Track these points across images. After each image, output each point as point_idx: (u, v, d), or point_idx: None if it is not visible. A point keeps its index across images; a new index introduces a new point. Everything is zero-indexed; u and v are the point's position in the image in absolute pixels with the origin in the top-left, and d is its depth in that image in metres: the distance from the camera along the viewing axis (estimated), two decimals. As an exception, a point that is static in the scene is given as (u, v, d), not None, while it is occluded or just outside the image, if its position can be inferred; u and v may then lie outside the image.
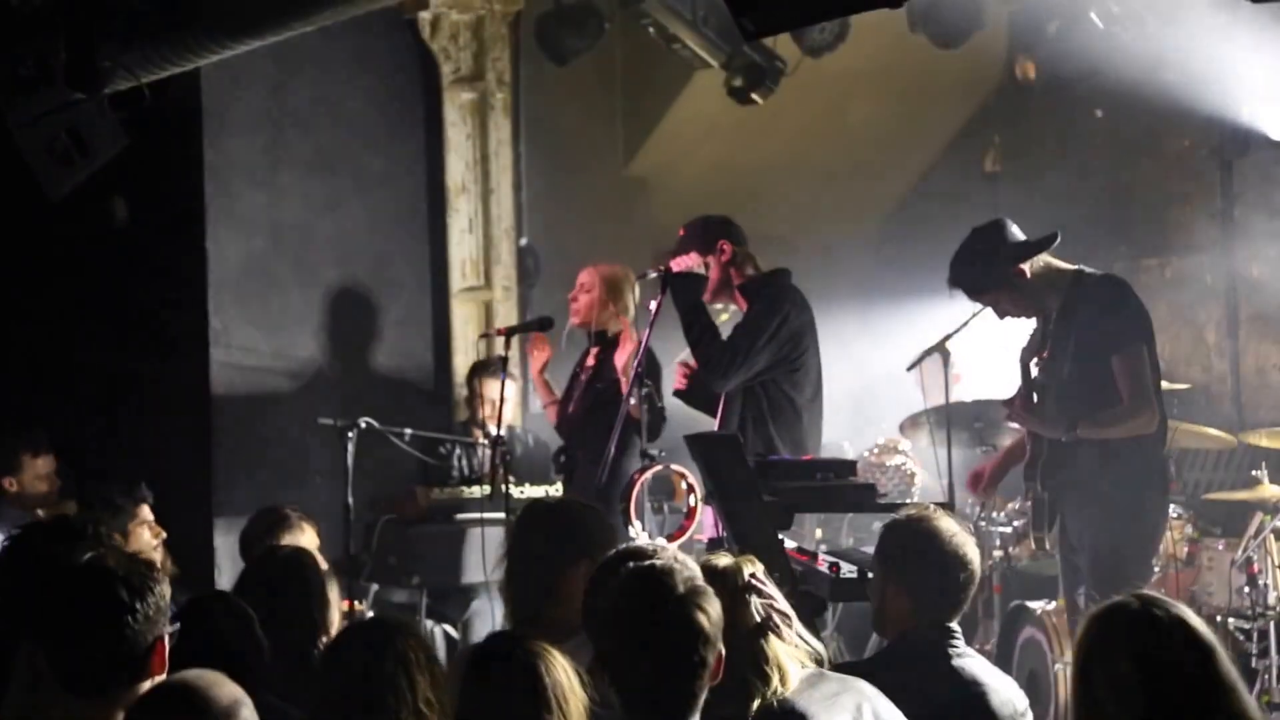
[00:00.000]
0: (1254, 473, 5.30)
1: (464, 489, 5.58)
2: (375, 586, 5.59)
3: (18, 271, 6.69)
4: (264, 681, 3.06)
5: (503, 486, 5.28)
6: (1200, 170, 6.97)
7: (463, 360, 7.06)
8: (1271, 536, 5.14)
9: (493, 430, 5.60)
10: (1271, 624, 5.02)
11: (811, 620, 3.90)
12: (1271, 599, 5.10)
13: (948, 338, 5.33)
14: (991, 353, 5.67)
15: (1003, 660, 5.27)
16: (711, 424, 5.13)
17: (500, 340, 5.68)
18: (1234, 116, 6.45)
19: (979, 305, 4.77)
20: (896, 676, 2.91)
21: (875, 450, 6.51)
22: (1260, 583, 5.11)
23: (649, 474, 4.78)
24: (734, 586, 2.65)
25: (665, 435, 5.30)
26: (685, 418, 5.52)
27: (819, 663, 2.76)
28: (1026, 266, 4.38)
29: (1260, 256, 6.65)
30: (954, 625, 3.15)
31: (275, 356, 6.87)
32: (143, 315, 6.60)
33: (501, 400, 5.47)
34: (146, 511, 4.90)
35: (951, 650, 3.10)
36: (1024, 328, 4.64)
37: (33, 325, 6.75)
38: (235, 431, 6.74)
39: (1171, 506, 4.75)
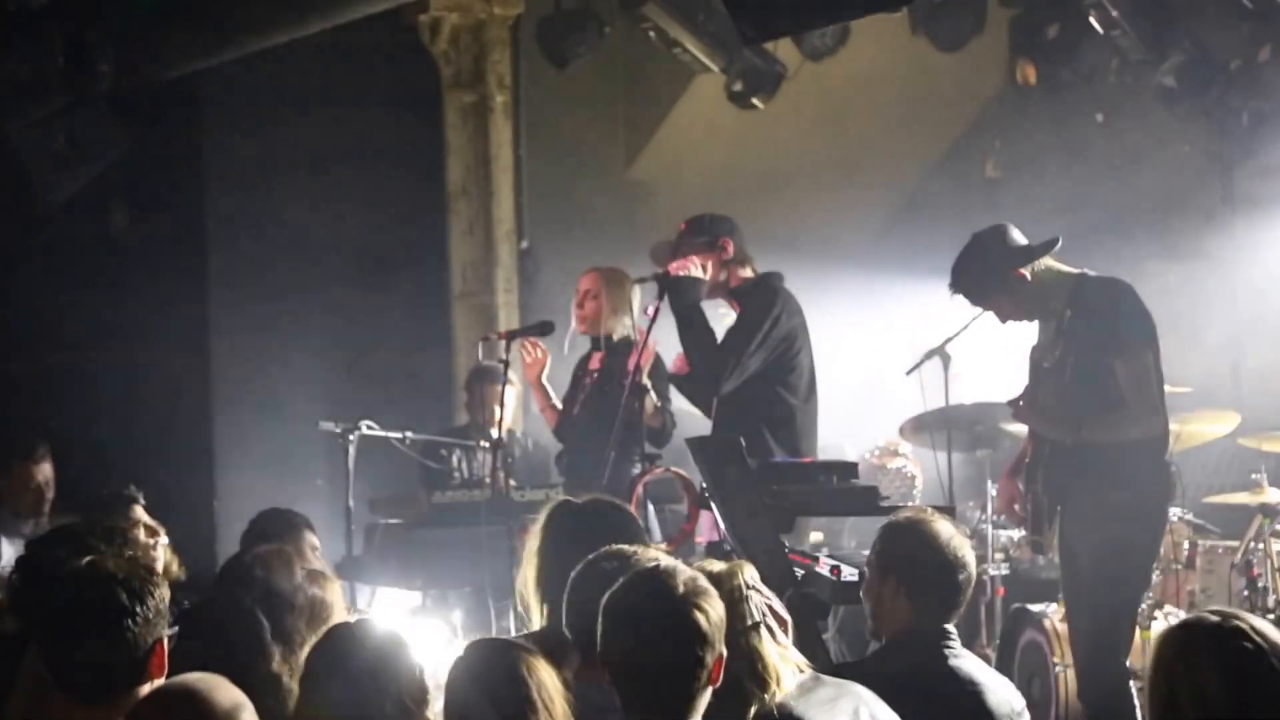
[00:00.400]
0: (1253, 475, 5.30)
1: (464, 492, 5.57)
2: (376, 589, 5.58)
3: (18, 274, 6.69)
4: (266, 685, 3.06)
5: (503, 490, 5.28)
6: (1202, 174, 6.97)
7: (463, 363, 7.06)
8: (1271, 539, 5.14)
9: (493, 433, 5.60)
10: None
11: (813, 623, 3.91)
12: (1271, 602, 5.09)
13: (948, 341, 5.33)
14: (991, 355, 5.67)
15: (1004, 663, 5.27)
16: (709, 424, 5.12)
17: (501, 343, 5.68)
18: (1235, 120, 6.46)
19: (979, 309, 4.76)
20: (894, 677, 2.90)
21: (876, 453, 6.50)
22: (1260, 585, 5.11)
23: (650, 477, 4.78)
24: (728, 590, 2.64)
25: (664, 438, 5.30)
26: (686, 420, 5.52)
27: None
28: (1027, 271, 4.38)
29: (1261, 260, 6.66)
30: (950, 627, 3.15)
31: (276, 360, 6.87)
32: (144, 319, 6.60)
33: (502, 404, 5.47)
34: (139, 511, 4.89)
35: (948, 651, 3.10)
36: (1025, 330, 4.63)
37: (34, 329, 6.75)
38: (236, 435, 6.75)
39: (1171, 509, 4.74)
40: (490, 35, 7.25)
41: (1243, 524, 5.32)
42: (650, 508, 5.05)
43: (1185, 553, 5.33)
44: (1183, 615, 4.39)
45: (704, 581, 2.50)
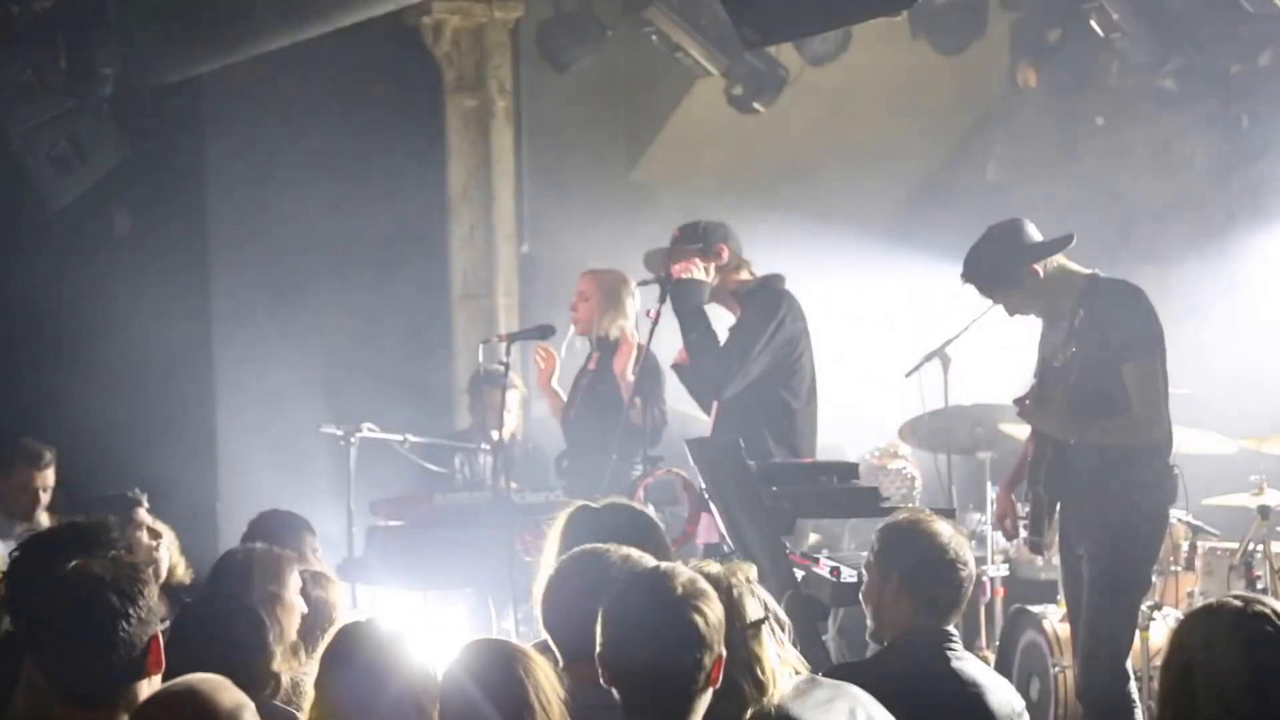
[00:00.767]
0: (1252, 477, 5.30)
1: (465, 495, 5.59)
2: (377, 591, 5.59)
3: (18, 279, 6.70)
4: (266, 685, 3.07)
5: (504, 492, 5.28)
6: (1202, 178, 6.98)
7: (464, 366, 7.07)
8: (1270, 541, 5.14)
9: (495, 436, 5.61)
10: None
11: (813, 624, 3.92)
12: (1272, 604, 5.09)
13: (948, 343, 5.34)
14: (992, 355, 5.68)
15: (1004, 664, 5.28)
16: (709, 424, 5.13)
17: (502, 346, 5.70)
18: (1235, 123, 6.47)
19: (980, 309, 4.77)
20: (895, 679, 2.91)
21: (876, 454, 6.51)
22: (1259, 587, 5.11)
23: (650, 479, 4.79)
24: (726, 589, 2.65)
25: (667, 439, 5.30)
26: (686, 422, 5.53)
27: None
28: (1040, 267, 4.37)
29: (1261, 263, 6.66)
30: (951, 628, 3.16)
31: (278, 363, 6.88)
32: (146, 321, 6.61)
33: (503, 407, 5.48)
34: (142, 514, 4.90)
35: (949, 652, 3.11)
36: (1025, 329, 4.64)
37: (36, 330, 6.76)
38: (239, 437, 6.76)
39: (1170, 510, 4.75)
40: (492, 39, 7.26)
41: (1242, 525, 5.33)
42: (651, 509, 5.05)
43: (1184, 554, 5.33)
44: (1181, 616, 4.41)
45: (703, 583, 2.50)
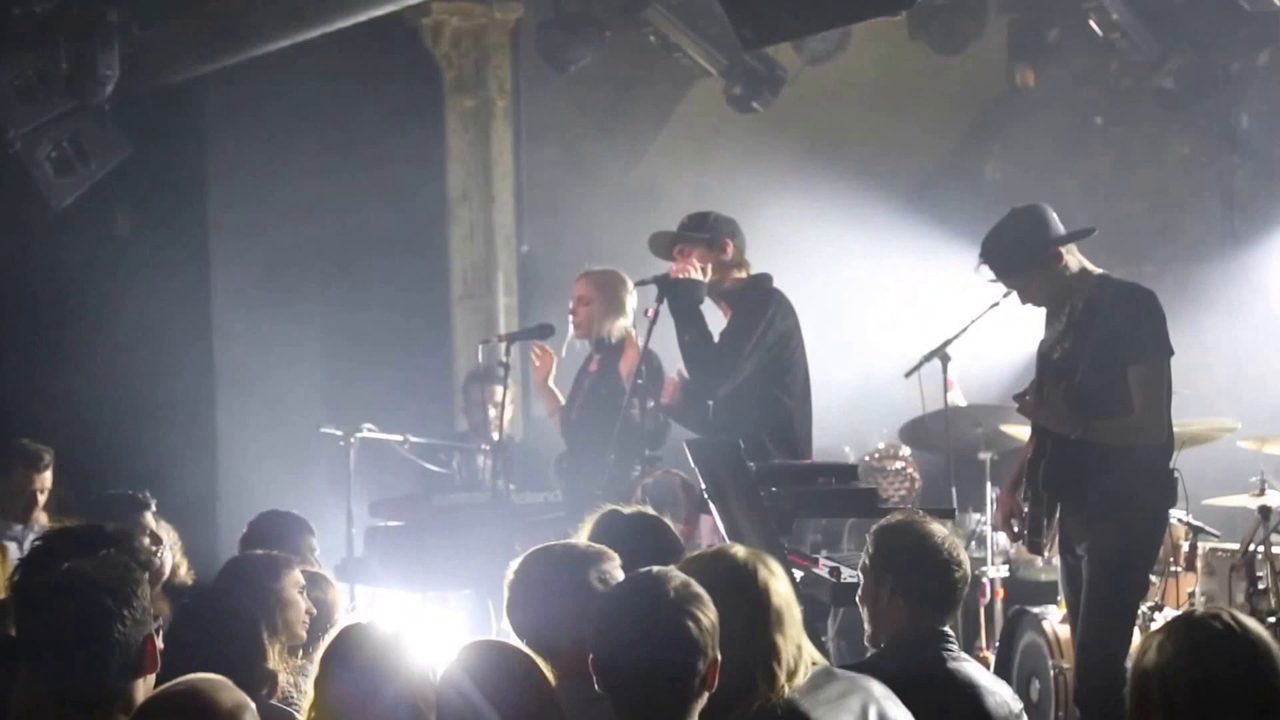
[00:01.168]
0: (1253, 478, 5.30)
1: (464, 495, 5.59)
2: (376, 592, 5.60)
3: (20, 279, 6.71)
4: (264, 684, 3.08)
5: (503, 493, 5.29)
6: (1201, 177, 6.98)
7: (463, 366, 7.08)
8: (1271, 542, 5.14)
9: (494, 436, 5.62)
10: (1271, 630, 5.01)
11: (812, 625, 3.92)
12: (1272, 603, 5.09)
13: (947, 343, 5.34)
14: (993, 356, 5.68)
15: (1003, 665, 5.28)
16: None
17: (501, 346, 5.70)
18: (1235, 123, 6.47)
19: (979, 310, 4.76)
20: (892, 679, 2.91)
21: (876, 455, 6.51)
22: (1260, 587, 5.10)
23: (649, 479, 4.79)
24: (751, 574, 2.62)
25: (666, 440, 5.30)
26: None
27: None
28: (1056, 256, 4.36)
29: (1260, 262, 6.67)
30: (947, 629, 3.16)
31: (278, 364, 6.89)
32: (147, 322, 6.62)
33: (502, 407, 5.48)
34: (149, 518, 4.91)
35: (946, 653, 3.11)
36: (1021, 326, 4.63)
37: (37, 330, 6.77)
38: (239, 438, 6.76)
39: (1170, 511, 4.75)
40: (491, 39, 7.27)
41: (1242, 526, 5.33)
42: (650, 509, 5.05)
43: (1185, 555, 5.33)
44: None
45: (696, 587, 2.50)
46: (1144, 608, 4.83)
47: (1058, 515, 4.41)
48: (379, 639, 2.59)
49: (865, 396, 6.85)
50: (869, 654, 3.22)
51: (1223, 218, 6.86)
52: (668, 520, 3.35)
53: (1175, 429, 4.43)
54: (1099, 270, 4.43)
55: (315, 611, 3.69)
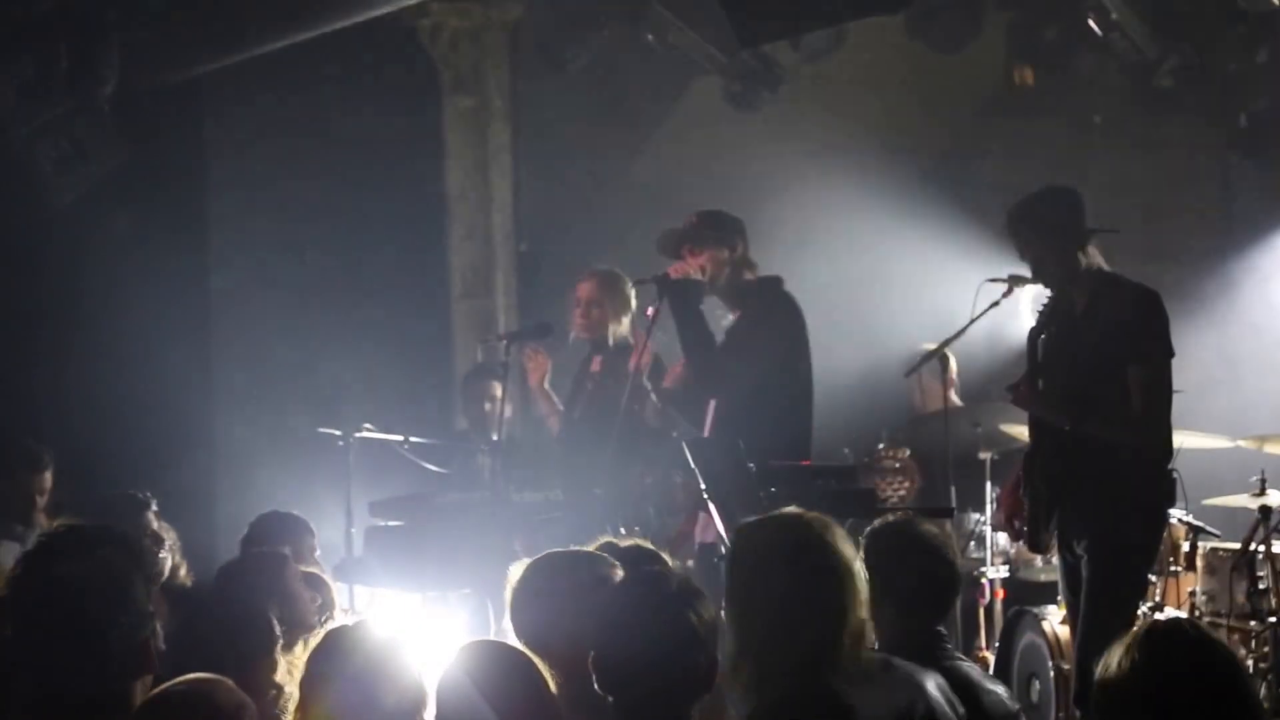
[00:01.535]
0: (1253, 478, 5.30)
1: (464, 495, 5.58)
2: (375, 592, 5.60)
3: (19, 279, 6.71)
4: (264, 685, 3.08)
5: (503, 492, 5.29)
6: (1199, 176, 6.98)
7: (463, 366, 7.08)
8: (1271, 542, 5.14)
9: (493, 436, 5.62)
10: (1271, 630, 5.02)
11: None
12: (1272, 604, 5.09)
13: (947, 343, 5.34)
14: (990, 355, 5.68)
15: (1003, 665, 5.28)
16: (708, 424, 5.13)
17: (501, 346, 5.70)
18: (1233, 122, 6.47)
19: (978, 311, 4.75)
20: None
21: (875, 455, 6.52)
22: (1260, 588, 5.10)
23: (649, 479, 4.79)
24: (818, 531, 2.56)
25: (665, 440, 5.30)
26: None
27: None
28: (1077, 240, 4.36)
29: (1259, 261, 6.67)
30: (942, 629, 3.16)
31: (277, 363, 6.89)
32: (146, 321, 6.61)
33: (502, 406, 5.48)
34: (150, 518, 4.92)
35: (941, 654, 3.11)
36: (1020, 326, 4.63)
37: (35, 332, 6.76)
38: (237, 438, 6.76)
39: (1171, 510, 4.75)
40: (489, 39, 7.27)
41: (1243, 526, 5.32)
42: (650, 510, 5.06)
43: (1185, 555, 5.33)
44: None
45: (696, 583, 2.51)
46: (1144, 608, 4.83)
47: (1056, 514, 4.41)
48: (373, 641, 2.59)
49: (864, 396, 6.85)
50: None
51: (1221, 216, 6.86)
52: (665, 556, 3.34)
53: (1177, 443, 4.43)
54: (1110, 269, 4.43)
55: (320, 599, 3.70)
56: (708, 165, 7.30)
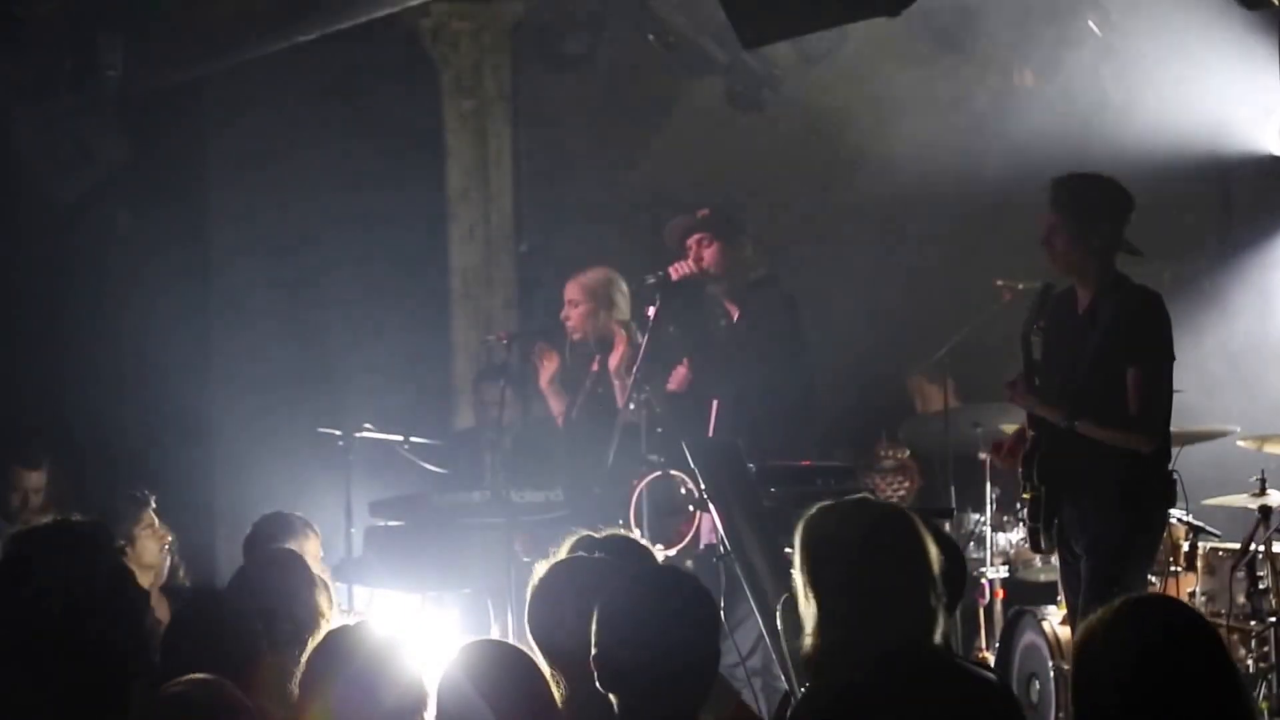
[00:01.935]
0: (1253, 478, 5.29)
1: (464, 495, 5.59)
2: (375, 592, 5.60)
3: (21, 278, 6.72)
4: (263, 685, 3.08)
5: (502, 492, 5.29)
6: (1199, 175, 6.96)
7: (463, 366, 7.08)
8: (1272, 542, 5.13)
9: (491, 436, 5.62)
10: (1271, 630, 5.01)
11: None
12: (1272, 604, 5.08)
13: (949, 345, 5.35)
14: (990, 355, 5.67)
15: (1003, 666, 5.27)
16: (706, 428, 5.13)
17: (502, 345, 5.70)
18: (1232, 123, 6.46)
19: (980, 314, 4.72)
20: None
21: (875, 455, 6.52)
22: (1261, 588, 5.10)
23: (648, 480, 4.79)
24: (902, 525, 2.49)
25: (665, 440, 5.30)
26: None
27: None
28: (1107, 236, 4.34)
29: (1259, 260, 6.66)
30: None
31: (277, 363, 6.89)
32: (147, 320, 6.62)
33: (502, 406, 5.49)
34: (150, 515, 4.93)
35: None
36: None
37: (38, 328, 6.77)
38: (237, 438, 6.76)
39: (1171, 510, 4.74)
40: (490, 40, 7.27)
41: (1243, 526, 5.32)
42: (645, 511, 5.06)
43: (1185, 555, 5.32)
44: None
45: (700, 584, 2.51)
46: (1144, 608, 4.82)
47: (1055, 513, 4.41)
48: (373, 641, 2.59)
49: (865, 396, 6.85)
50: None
51: (1220, 215, 6.85)
52: (647, 544, 3.33)
53: (1173, 429, 4.43)
54: (1118, 271, 4.43)
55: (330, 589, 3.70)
56: (709, 165, 7.30)
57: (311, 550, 4.43)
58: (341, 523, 5.57)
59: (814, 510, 2.56)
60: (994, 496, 5.65)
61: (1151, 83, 6.28)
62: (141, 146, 6.48)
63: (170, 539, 5.04)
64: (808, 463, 4.91)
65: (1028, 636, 5.31)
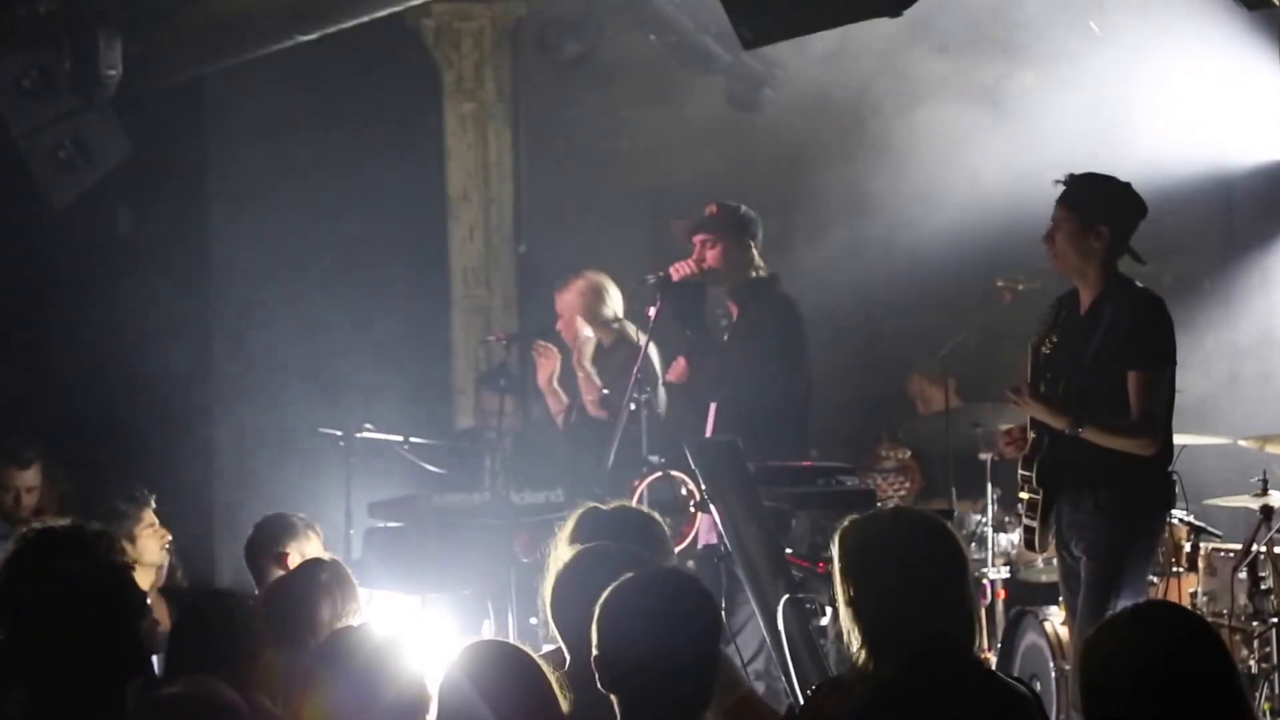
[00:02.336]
0: (1254, 478, 5.28)
1: (464, 496, 5.58)
2: (374, 593, 5.60)
3: (21, 278, 6.72)
4: (261, 686, 3.08)
5: (503, 493, 5.28)
6: (1201, 175, 6.95)
7: (463, 367, 7.08)
8: (1275, 543, 5.12)
9: (492, 436, 5.62)
10: (1273, 631, 5.01)
11: (809, 627, 3.92)
12: (1274, 605, 5.08)
13: (949, 346, 5.35)
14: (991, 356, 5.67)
15: (1005, 667, 5.27)
16: (706, 427, 5.13)
17: (501, 347, 5.70)
18: (1234, 123, 6.46)
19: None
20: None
21: (876, 455, 6.51)
22: (1262, 588, 5.09)
23: (648, 480, 4.78)
24: (946, 531, 2.55)
25: (665, 441, 5.30)
26: (686, 424, 5.51)
27: None
28: (1108, 237, 4.33)
29: (1260, 261, 6.65)
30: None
31: (277, 364, 6.89)
32: (146, 320, 6.62)
33: (502, 407, 5.48)
34: (150, 515, 4.92)
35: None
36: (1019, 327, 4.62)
37: (35, 332, 6.77)
38: (237, 438, 6.76)
39: (1173, 511, 4.74)
40: (491, 40, 7.27)
41: (1245, 527, 5.31)
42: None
43: (1186, 555, 5.31)
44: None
45: (702, 584, 2.51)
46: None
47: (1054, 514, 4.40)
48: (373, 642, 2.59)
49: (866, 396, 6.84)
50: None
51: (1222, 215, 6.84)
52: (656, 515, 3.34)
53: (1175, 431, 4.42)
54: (1121, 274, 4.42)
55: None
56: (710, 165, 7.30)
57: (312, 551, 4.43)
58: (341, 523, 5.57)
59: (852, 520, 2.59)
60: (995, 497, 5.65)
61: (1153, 83, 6.27)
62: (141, 147, 6.47)
63: (169, 539, 5.03)
64: (808, 463, 4.91)
65: (1029, 637, 5.30)
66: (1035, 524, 4.42)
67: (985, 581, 5.72)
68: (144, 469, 5.85)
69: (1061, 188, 4.40)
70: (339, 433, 5.70)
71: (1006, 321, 5.93)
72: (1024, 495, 4.46)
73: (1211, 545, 5.37)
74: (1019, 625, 5.36)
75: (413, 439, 5.87)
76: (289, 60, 6.47)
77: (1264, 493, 5.21)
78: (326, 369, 6.88)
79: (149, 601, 3.69)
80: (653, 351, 5.24)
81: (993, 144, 6.54)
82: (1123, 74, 6.30)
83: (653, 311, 5.08)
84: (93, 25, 5.92)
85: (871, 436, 6.65)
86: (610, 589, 2.48)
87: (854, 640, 2.49)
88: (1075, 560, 4.39)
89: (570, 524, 3.16)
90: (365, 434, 5.72)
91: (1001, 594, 5.77)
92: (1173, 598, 5.25)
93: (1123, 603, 4.30)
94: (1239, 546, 5.21)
